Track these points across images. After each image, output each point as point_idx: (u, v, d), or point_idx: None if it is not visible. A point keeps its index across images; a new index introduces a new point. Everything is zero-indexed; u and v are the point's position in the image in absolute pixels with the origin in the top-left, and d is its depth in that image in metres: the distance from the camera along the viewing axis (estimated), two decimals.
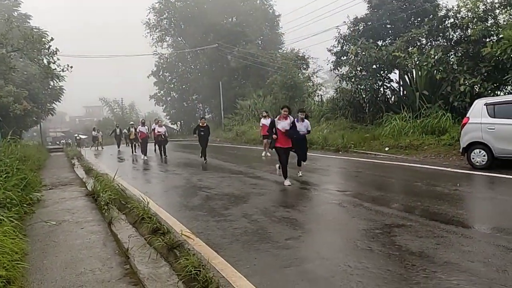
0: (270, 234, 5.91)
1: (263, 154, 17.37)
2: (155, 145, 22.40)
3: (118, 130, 31.42)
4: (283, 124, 9.91)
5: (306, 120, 11.22)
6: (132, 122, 30.41)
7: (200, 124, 16.64)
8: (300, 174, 11.10)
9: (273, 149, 10.43)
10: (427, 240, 5.25)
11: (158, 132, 19.85)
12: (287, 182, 9.92)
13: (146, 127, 21.60)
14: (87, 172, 14.27)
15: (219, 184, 10.60)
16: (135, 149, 24.81)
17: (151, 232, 6.08)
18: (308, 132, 11.32)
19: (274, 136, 9.87)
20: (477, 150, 10.98)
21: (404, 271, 4.34)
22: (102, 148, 33.20)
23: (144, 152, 20.13)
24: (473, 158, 11.10)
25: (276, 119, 10.06)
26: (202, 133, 16.39)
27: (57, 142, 59.87)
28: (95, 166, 16.05)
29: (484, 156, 10.83)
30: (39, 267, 4.91)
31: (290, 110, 10.18)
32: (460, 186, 8.79)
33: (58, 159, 22.45)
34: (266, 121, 17.50)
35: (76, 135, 55.92)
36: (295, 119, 10.54)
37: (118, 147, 30.70)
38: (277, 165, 10.62)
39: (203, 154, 16.27)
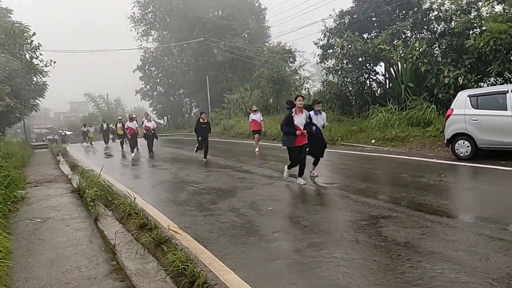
0: (258, 227, 5.94)
1: (256, 150, 16.47)
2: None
3: (105, 126, 30.47)
4: (300, 120, 8.73)
5: (323, 113, 10.23)
6: (120, 117, 29.05)
7: (201, 120, 14.92)
8: (315, 173, 10.00)
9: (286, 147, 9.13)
10: (412, 231, 5.32)
11: (147, 127, 18.99)
12: (301, 181, 9.02)
13: (134, 122, 20.23)
14: (73, 169, 14.16)
15: (206, 179, 10.58)
16: (123, 145, 23.63)
17: (138, 228, 6.07)
18: (323, 126, 10.19)
19: (299, 132, 8.64)
20: (461, 141, 11.11)
21: (389, 261, 4.39)
22: (91, 144, 32.23)
23: (133, 148, 19.35)
24: (457, 149, 11.23)
25: (292, 114, 8.76)
26: (204, 127, 14.87)
27: (44, 139, 59.32)
28: (80, 162, 15.93)
29: (468, 147, 10.96)
30: (24, 265, 4.85)
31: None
32: (444, 177, 8.90)
33: (43, 156, 22.23)
34: (255, 116, 17.29)
35: (60, 131, 55.44)
36: (313, 112, 9.62)
37: (106, 143, 29.86)
38: (286, 168, 9.43)
39: (205, 152, 14.86)
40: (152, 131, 18.82)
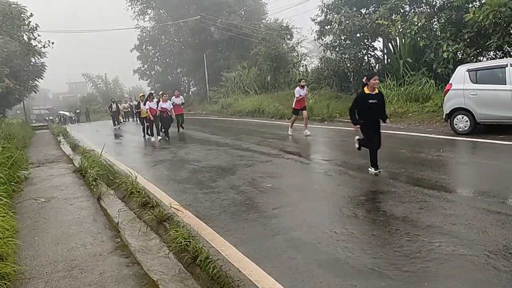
0: (258, 204, 6.02)
1: (289, 132, 13.85)
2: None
3: (114, 106, 27.19)
4: None
5: None
6: (141, 93, 21.78)
7: (369, 91, 7.22)
8: None
9: None
10: (410, 205, 5.40)
11: (163, 108, 16.00)
12: None
13: (154, 101, 16.85)
14: (74, 149, 14.22)
15: (206, 157, 10.63)
16: (147, 131, 17.56)
17: (140, 206, 6.17)
18: None
19: None
20: (460, 116, 11.12)
21: (388, 235, 4.49)
22: (121, 122, 29.42)
23: (157, 132, 16.30)
24: (456, 124, 11.25)
25: None
26: (376, 103, 7.24)
27: (46, 118, 59.60)
28: (81, 143, 15.97)
29: (466, 121, 10.98)
30: (30, 244, 4.96)
31: None
32: (443, 152, 8.95)
33: (44, 137, 22.26)
34: (303, 92, 13.86)
35: (69, 112, 55.75)
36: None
37: (115, 124, 26.61)
38: None
39: (373, 158, 7.46)
40: (170, 113, 16.28)
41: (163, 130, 16.33)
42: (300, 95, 13.68)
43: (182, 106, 18.43)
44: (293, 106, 14.06)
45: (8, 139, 12.35)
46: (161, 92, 17.25)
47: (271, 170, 8.44)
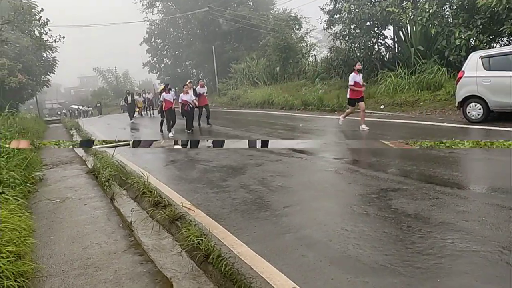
0: (268, 202, 6.02)
1: (340, 122, 12.69)
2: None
3: (129, 98, 25.83)
4: None
5: None
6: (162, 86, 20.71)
7: None
8: None
9: None
10: (422, 202, 5.36)
11: (184, 100, 14.74)
12: None
13: (171, 93, 15.43)
14: (86, 150, 14.30)
15: (217, 157, 10.51)
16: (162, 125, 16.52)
17: (152, 205, 6.23)
18: None
19: None
20: (473, 104, 11.00)
21: (400, 233, 4.47)
22: (141, 115, 29.40)
23: (168, 128, 15.06)
24: (468, 112, 11.13)
25: None
26: None
27: (59, 112, 60.57)
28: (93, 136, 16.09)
29: (479, 109, 10.86)
30: (47, 243, 5.06)
31: None
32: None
33: (57, 131, 22.53)
34: (359, 78, 11.93)
35: (83, 106, 56.44)
36: None
37: (131, 118, 25.26)
38: None
39: None
40: (191, 105, 14.95)
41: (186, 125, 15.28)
42: (356, 82, 11.78)
43: (206, 96, 17.17)
44: (347, 96, 12.25)
45: (22, 134, 12.53)
46: (188, 81, 15.92)
47: (280, 169, 8.33)
